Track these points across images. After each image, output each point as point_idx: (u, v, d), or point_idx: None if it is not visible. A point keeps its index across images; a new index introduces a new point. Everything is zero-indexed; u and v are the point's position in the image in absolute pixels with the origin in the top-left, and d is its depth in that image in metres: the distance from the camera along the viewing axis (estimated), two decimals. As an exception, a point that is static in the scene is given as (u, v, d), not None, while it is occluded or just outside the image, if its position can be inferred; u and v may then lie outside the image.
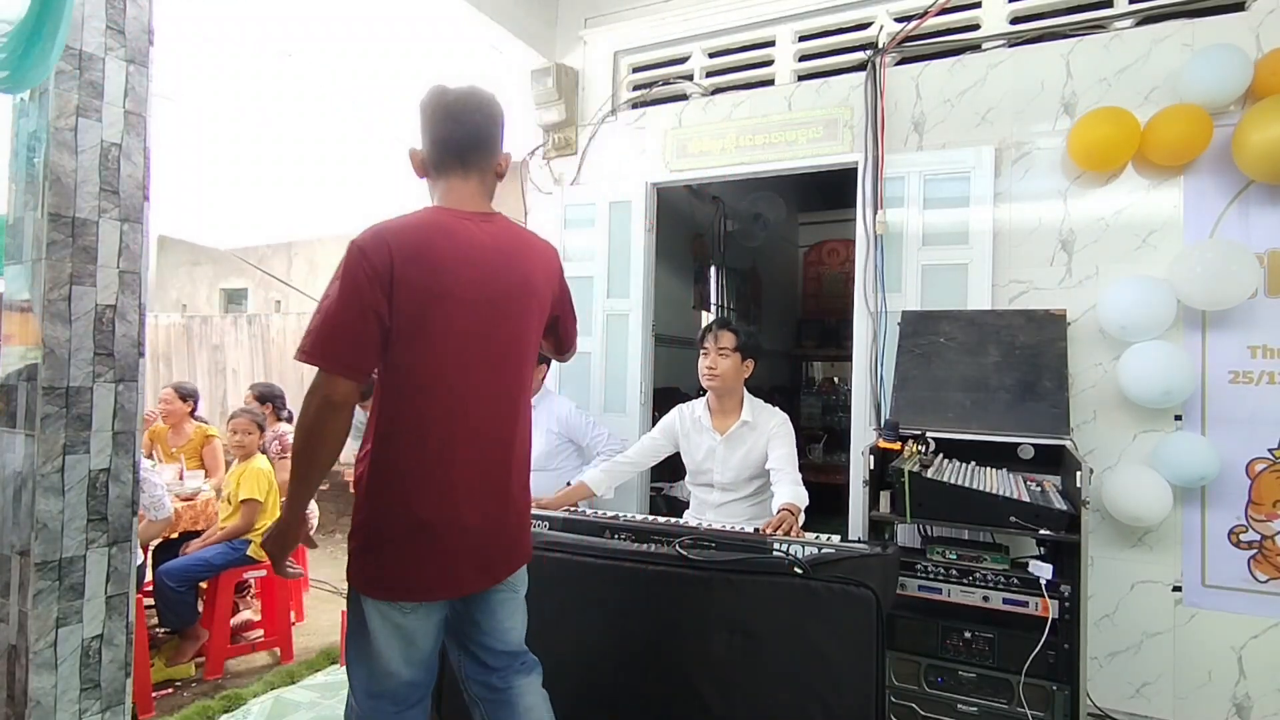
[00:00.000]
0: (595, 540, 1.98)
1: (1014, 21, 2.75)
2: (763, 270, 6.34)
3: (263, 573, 3.25)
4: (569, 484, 2.65)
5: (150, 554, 3.37)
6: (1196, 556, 2.42)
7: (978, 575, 2.05)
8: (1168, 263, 2.40)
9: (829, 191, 5.99)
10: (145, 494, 2.80)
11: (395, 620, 1.42)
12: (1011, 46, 2.73)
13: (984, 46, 2.78)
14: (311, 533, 3.76)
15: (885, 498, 2.14)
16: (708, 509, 2.57)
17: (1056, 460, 2.23)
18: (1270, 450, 2.34)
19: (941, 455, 2.23)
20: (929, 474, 2.04)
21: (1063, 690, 1.92)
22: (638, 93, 3.49)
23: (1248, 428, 2.36)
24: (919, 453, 2.14)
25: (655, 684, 1.83)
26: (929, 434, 2.21)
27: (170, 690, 2.90)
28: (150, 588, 3.18)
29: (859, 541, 1.98)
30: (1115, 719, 2.46)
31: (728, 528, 2.13)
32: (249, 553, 3.14)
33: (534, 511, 2.20)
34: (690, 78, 3.36)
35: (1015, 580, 2.00)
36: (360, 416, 2.16)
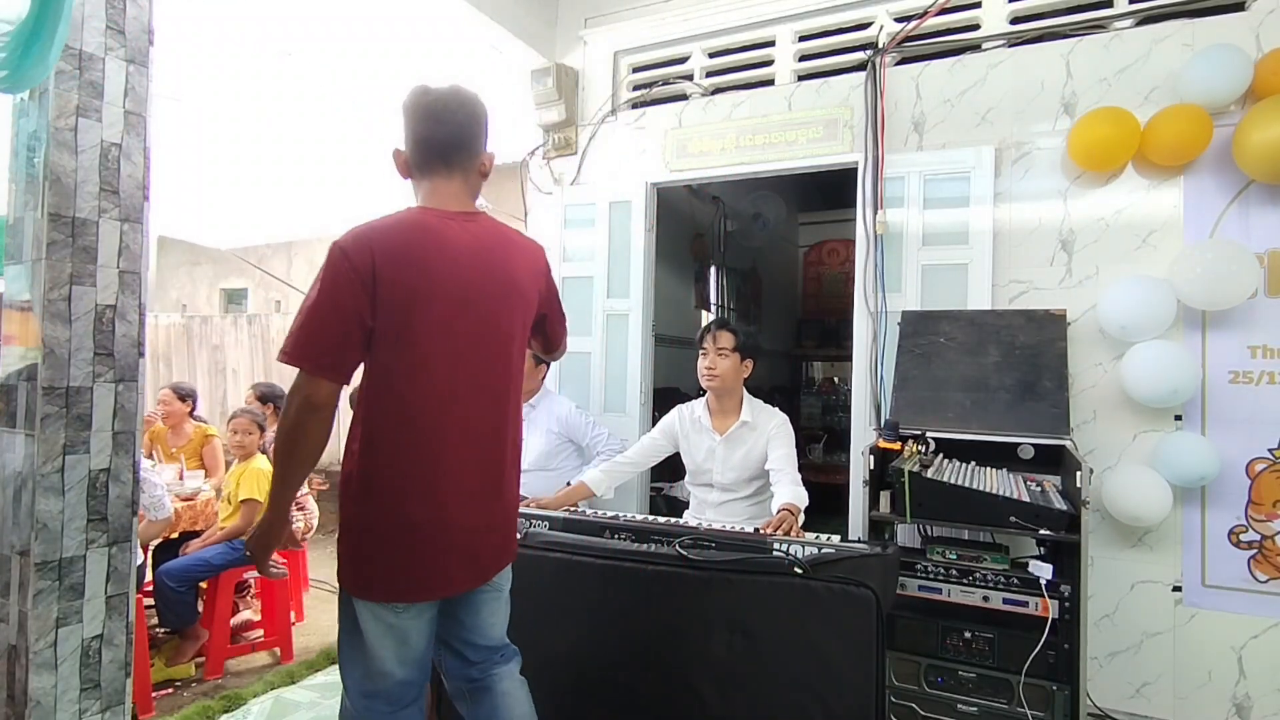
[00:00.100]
0: (595, 540, 1.98)
1: (1014, 21, 2.75)
2: (763, 270, 6.34)
3: (263, 573, 3.24)
4: (569, 484, 2.65)
5: (150, 554, 3.37)
6: (1196, 556, 2.42)
7: (978, 575, 2.05)
8: (1168, 263, 2.40)
9: (829, 191, 5.99)
10: (145, 494, 2.80)
11: (388, 621, 1.42)
12: (1011, 46, 2.73)
13: (984, 46, 2.78)
14: (311, 533, 3.77)
15: (885, 498, 2.14)
16: (707, 509, 2.57)
17: (1056, 460, 2.23)
18: (1270, 450, 2.34)
19: (941, 455, 2.23)
20: (929, 474, 2.04)
21: (1063, 690, 1.92)
22: (638, 93, 3.49)
23: (1248, 428, 2.36)
24: (919, 453, 2.14)
25: (655, 684, 1.83)
26: (929, 434, 2.21)
27: (170, 690, 2.90)
28: (150, 588, 3.18)
29: (859, 541, 1.97)
30: (1115, 719, 2.46)
31: (728, 528, 2.13)
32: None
33: (534, 511, 2.21)
34: (690, 78, 3.36)
35: (1015, 580, 2.00)
36: None
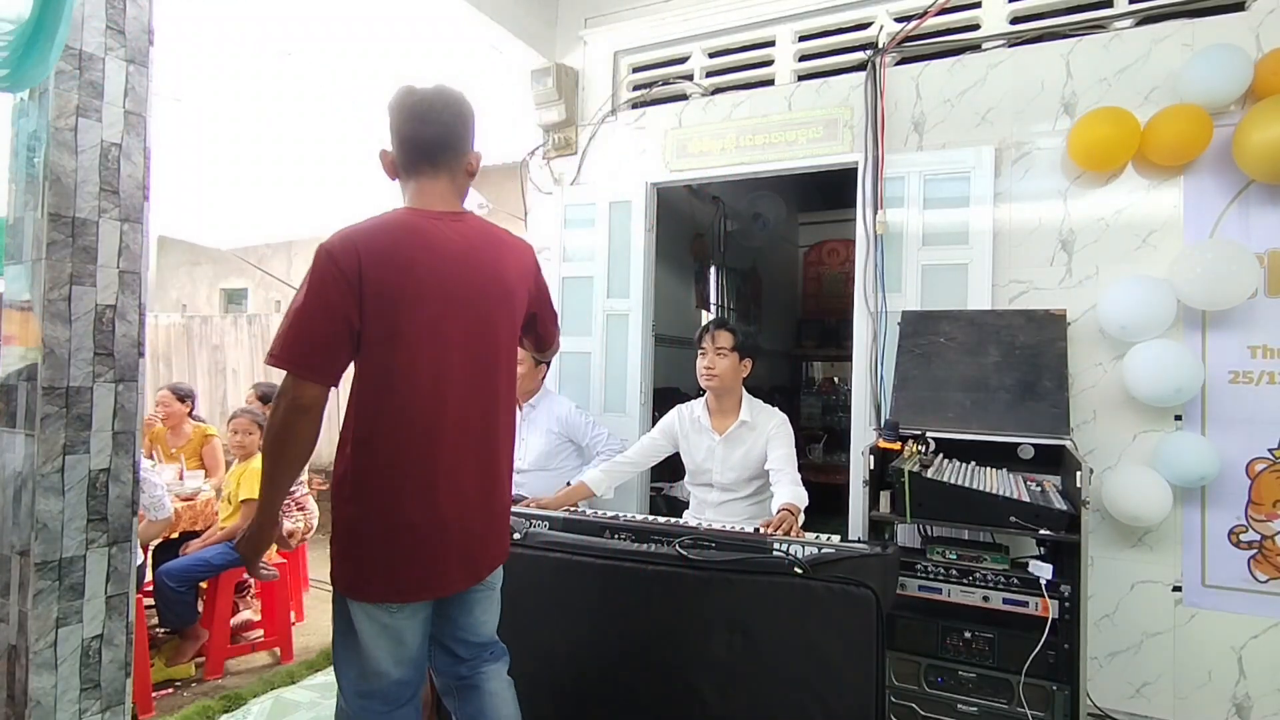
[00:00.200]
0: (595, 540, 1.98)
1: (1014, 21, 2.75)
2: (763, 270, 6.34)
3: (263, 573, 3.25)
4: (569, 484, 2.65)
5: (150, 554, 3.37)
6: (1196, 556, 2.42)
7: (978, 575, 2.05)
8: (1168, 263, 2.40)
9: (829, 191, 5.99)
10: (145, 494, 2.80)
11: (383, 621, 1.42)
12: (1011, 46, 2.73)
13: (984, 46, 2.78)
14: (311, 533, 3.76)
15: (885, 498, 2.14)
16: (707, 509, 2.57)
17: (1056, 460, 2.23)
18: (1270, 450, 2.34)
19: (941, 455, 2.23)
20: (929, 474, 2.04)
21: (1063, 690, 1.92)
22: (638, 93, 3.49)
23: (1248, 428, 2.36)
24: (919, 453, 2.14)
25: (655, 684, 1.83)
26: (929, 434, 2.21)
27: (170, 690, 2.90)
28: (150, 588, 3.18)
29: (859, 541, 1.97)
30: (1115, 719, 2.46)
31: (728, 528, 2.13)
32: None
33: (534, 511, 2.21)
34: (690, 78, 3.36)
35: (1015, 580, 2.00)
36: None
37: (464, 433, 1.47)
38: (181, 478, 3.61)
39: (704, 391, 2.59)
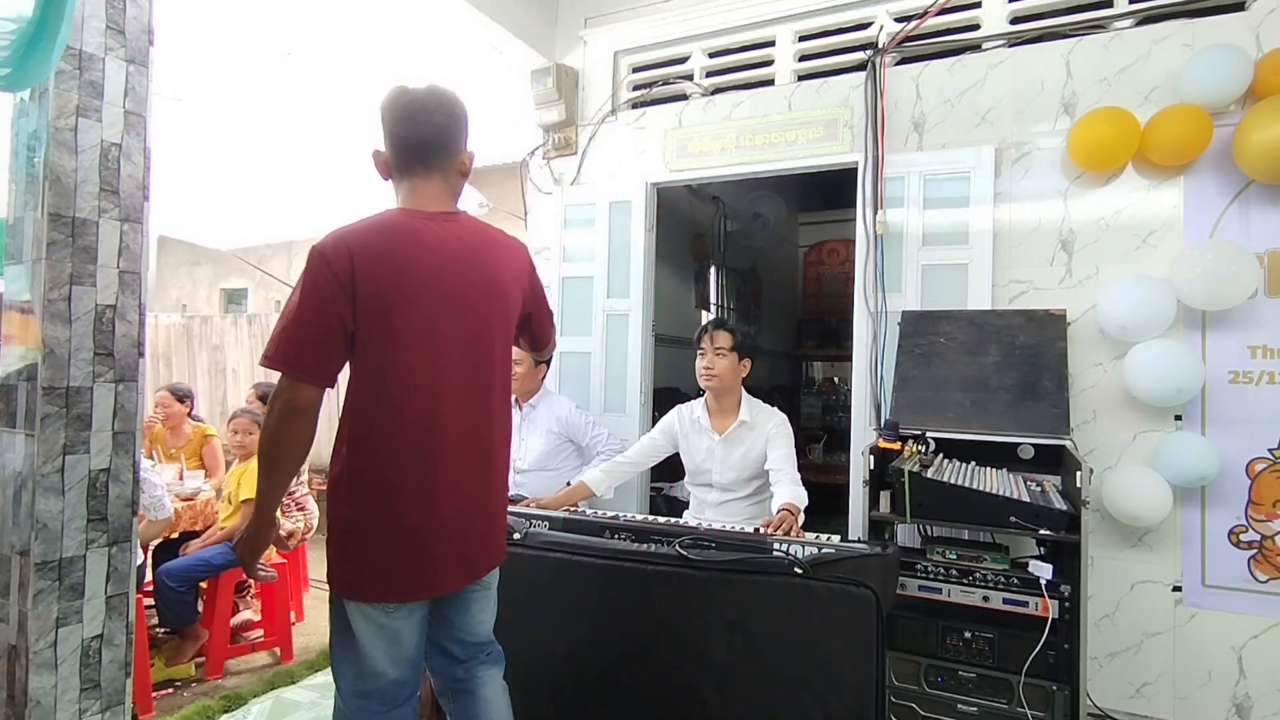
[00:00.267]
0: (595, 540, 1.98)
1: (1014, 21, 2.75)
2: (763, 270, 6.34)
3: (263, 573, 3.24)
4: (569, 484, 2.65)
5: (150, 554, 3.37)
6: (1196, 556, 2.42)
7: (978, 575, 2.05)
8: (1168, 263, 2.40)
9: (829, 191, 5.99)
10: (145, 494, 2.80)
11: (379, 621, 1.42)
12: (1011, 46, 2.73)
13: (984, 46, 2.78)
14: (311, 533, 3.77)
15: (885, 498, 2.14)
16: (707, 509, 2.57)
17: (1056, 460, 2.23)
18: (1270, 450, 2.34)
19: (941, 455, 2.23)
20: (929, 474, 2.04)
21: (1063, 690, 1.92)
22: (638, 93, 3.49)
23: (1248, 428, 2.36)
24: (919, 453, 2.14)
25: (655, 684, 1.83)
26: (929, 434, 2.21)
27: (170, 690, 2.90)
28: (150, 588, 3.18)
29: (859, 541, 1.97)
30: (1115, 719, 2.46)
31: (728, 528, 2.13)
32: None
33: (534, 511, 2.21)
34: (690, 78, 3.36)
35: (1015, 580, 2.00)
36: None
37: (460, 432, 1.47)
38: (181, 478, 3.61)
39: (704, 392, 2.59)
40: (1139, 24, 2.57)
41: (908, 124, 2.87)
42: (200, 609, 3.16)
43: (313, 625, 3.65)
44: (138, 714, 2.56)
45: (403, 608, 1.43)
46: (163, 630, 3.19)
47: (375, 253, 1.38)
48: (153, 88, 1.88)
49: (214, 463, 3.96)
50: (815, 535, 1.97)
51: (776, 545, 1.83)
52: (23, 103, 1.78)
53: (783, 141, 3.09)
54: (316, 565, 4.27)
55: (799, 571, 1.70)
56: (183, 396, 3.98)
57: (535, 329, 1.74)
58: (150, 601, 3.15)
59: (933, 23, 2.85)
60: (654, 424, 2.74)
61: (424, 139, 1.49)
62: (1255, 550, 2.36)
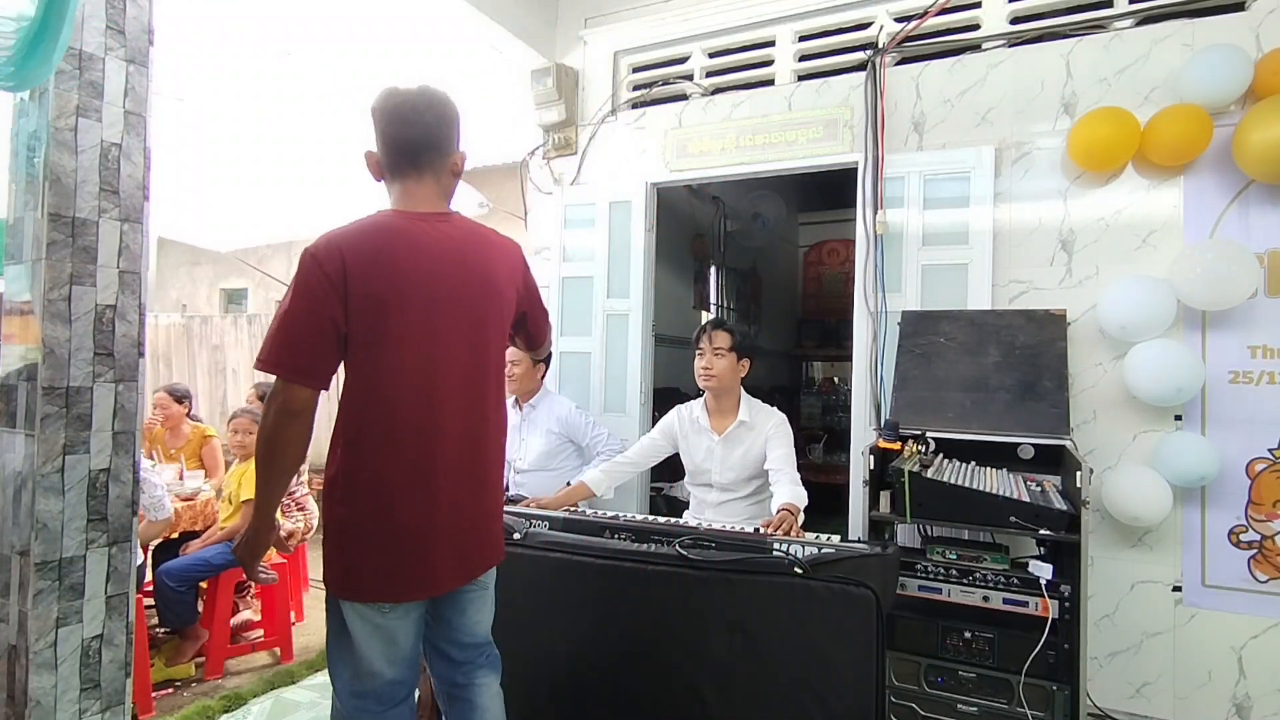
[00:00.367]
0: (595, 540, 1.98)
1: (1014, 21, 2.75)
2: (763, 270, 6.34)
3: (263, 573, 3.25)
4: (569, 484, 2.65)
5: (150, 554, 3.37)
6: (1196, 556, 2.42)
7: (978, 575, 2.05)
8: (1168, 263, 2.40)
9: (829, 191, 5.99)
10: (145, 494, 2.80)
11: (375, 621, 1.42)
12: (1011, 46, 2.73)
13: (984, 46, 2.78)
14: (311, 533, 3.77)
15: (885, 498, 2.14)
16: (707, 509, 2.57)
17: (1056, 460, 2.23)
18: (1270, 450, 2.34)
19: (941, 455, 2.23)
20: (929, 474, 2.04)
21: (1063, 690, 1.92)
22: (638, 93, 3.49)
23: (1248, 428, 2.36)
24: (919, 453, 2.14)
25: (655, 684, 1.83)
26: (929, 434, 2.21)
27: (170, 690, 2.90)
28: (150, 588, 3.18)
29: (859, 541, 1.97)
30: (1115, 719, 2.46)
31: (727, 528, 2.13)
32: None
33: (534, 511, 2.21)
34: (690, 78, 3.35)
35: (1015, 580, 2.00)
36: None
37: (455, 432, 1.47)
38: (181, 478, 3.61)
39: (703, 392, 2.59)
40: (1139, 24, 2.57)
41: (908, 124, 2.87)
42: (200, 609, 3.16)
43: (313, 625, 3.65)
44: (138, 714, 2.56)
45: (399, 608, 1.43)
46: (163, 630, 3.19)
47: (367, 254, 1.38)
48: (153, 88, 1.89)
49: (214, 463, 3.96)
50: (815, 535, 1.97)
51: (776, 545, 1.83)
52: (23, 103, 1.78)
53: (783, 141, 3.09)
54: (316, 565, 4.27)
55: (799, 571, 1.70)
56: (180, 397, 3.97)
57: (530, 328, 1.74)
58: (150, 601, 3.15)
59: (933, 23, 2.85)
60: (654, 424, 2.74)
61: (415, 140, 1.48)
62: (1255, 550, 2.36)
